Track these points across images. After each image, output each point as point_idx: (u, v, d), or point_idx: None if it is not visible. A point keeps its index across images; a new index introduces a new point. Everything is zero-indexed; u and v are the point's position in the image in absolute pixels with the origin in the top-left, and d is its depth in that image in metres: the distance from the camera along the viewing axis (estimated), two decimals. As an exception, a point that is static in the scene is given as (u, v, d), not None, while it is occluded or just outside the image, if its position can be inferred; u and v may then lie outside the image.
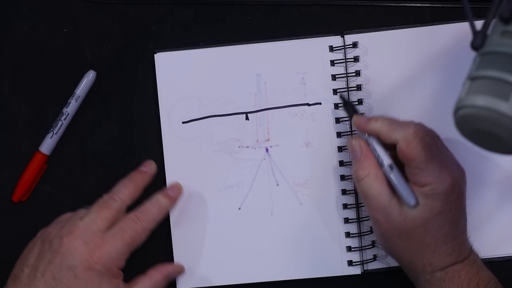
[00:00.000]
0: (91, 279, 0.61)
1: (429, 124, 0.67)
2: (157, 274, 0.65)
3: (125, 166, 0.70)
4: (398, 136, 0.60)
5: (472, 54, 0.48)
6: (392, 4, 0.70)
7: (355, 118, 0.63)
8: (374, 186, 0.60)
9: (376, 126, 0.61)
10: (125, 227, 0.63)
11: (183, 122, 0.69)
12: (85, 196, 0.70)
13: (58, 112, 0.69)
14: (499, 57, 0.45)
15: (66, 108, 0.69)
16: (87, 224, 0.63)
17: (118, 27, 0.71)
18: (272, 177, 0.69)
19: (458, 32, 0.68)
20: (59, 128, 0.69)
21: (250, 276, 0.68)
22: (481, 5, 0.56)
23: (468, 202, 0.62)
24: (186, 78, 0.70)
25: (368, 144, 0.62)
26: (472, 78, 0.46)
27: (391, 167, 0.60)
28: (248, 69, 0.69)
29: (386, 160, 0.61)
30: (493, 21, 0.47)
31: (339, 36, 0.69)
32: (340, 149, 0.68)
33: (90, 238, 0.62)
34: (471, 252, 0.62)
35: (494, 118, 0.44)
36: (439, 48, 0.68)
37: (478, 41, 0.47)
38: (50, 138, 0.69)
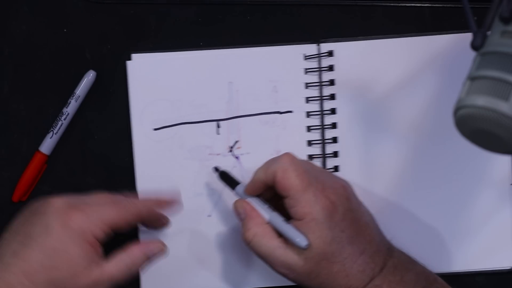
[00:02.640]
0: (63, 238, 0.57)
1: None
2: (137, 250, 0.60)
3: (125, 166, 0.70)
4: (274, 167, 0.59)
5: (472, 54, 0.48)
6: (392, 4, 0.70)
7: (238, 188, 0.63)
8: (263, 243, 0.59)
9: (256, 176, 0.61)
10: (116, 201, 0.60)
11: (154, 129, 0.69)
12: (85, 196, 0.70)
13: (58, 112, 0.69)
14: (499, 57, 0.45)
15: (66, 108, 0.69)
16: (78, 196, 0.60)
17: (118, 27, 0.71)
18: None
19: (438, 46, 0.67)
20: (59, 128, 0.69)
21: (222, 284, 0.67)
22: (481, 5, 0.56)
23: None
24: (159, 80, 0.69)
25: (251, 204, 0.61)
26: (472, 78, 0.46)
27: (273, 217, 0.60)
28: (220, 76, 0.69)
29: (266, 214, 0.60)
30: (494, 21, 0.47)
31: (315, 44, 0.68)
32: (310, 157, 0.68)
33: (74, 201, 0.59)
34: (389, 255, 0.60)
35: (494, 118, 0.44)
36: (420, 60, 0.68)
37: (478, 41, 0.47)
38: (50, 138, 0.69)
